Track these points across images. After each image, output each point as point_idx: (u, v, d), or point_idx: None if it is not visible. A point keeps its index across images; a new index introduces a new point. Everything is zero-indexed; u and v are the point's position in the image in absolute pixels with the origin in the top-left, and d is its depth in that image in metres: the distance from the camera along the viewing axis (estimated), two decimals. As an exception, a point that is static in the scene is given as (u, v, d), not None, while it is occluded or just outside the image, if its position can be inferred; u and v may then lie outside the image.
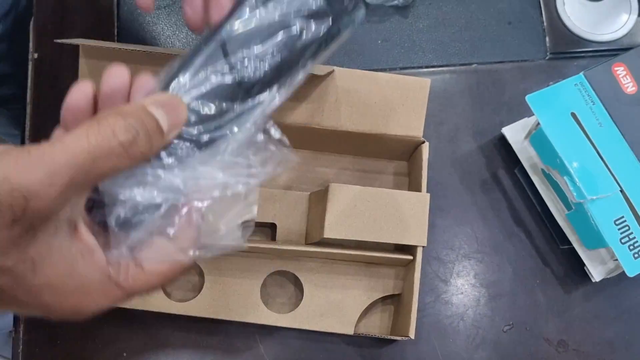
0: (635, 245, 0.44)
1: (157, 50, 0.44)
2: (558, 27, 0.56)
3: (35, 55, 0.54)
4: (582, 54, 0.55)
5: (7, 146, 0.25)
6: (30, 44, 0.54)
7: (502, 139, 0.52)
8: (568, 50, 0.55)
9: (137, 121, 0.26)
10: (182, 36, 0.55)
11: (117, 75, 0.30)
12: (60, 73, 0.53)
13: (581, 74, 0.48)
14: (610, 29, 0.56)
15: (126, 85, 0.30)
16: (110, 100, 0.30)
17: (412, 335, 0.43)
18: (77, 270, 0.27)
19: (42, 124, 0.53)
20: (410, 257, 0.45)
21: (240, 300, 0.46)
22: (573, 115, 0.47)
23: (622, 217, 0.45)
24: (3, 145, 0.26)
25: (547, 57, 0.55)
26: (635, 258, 0.44)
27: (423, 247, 0.44)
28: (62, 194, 0.25)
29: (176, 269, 0.29)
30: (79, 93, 0.29)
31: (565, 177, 0.45)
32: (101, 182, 0.27)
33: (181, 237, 0.29)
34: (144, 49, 0.44)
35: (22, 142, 0.53)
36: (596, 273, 0.49)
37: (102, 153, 0.25)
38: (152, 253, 0.29)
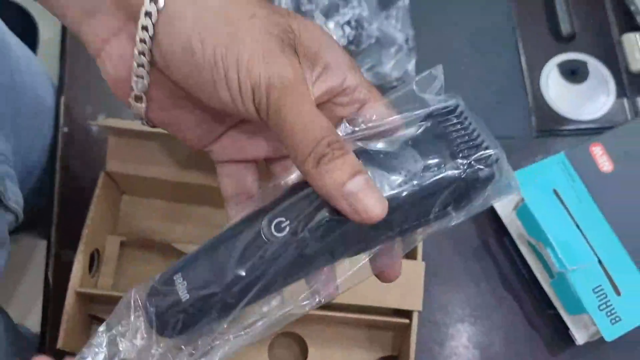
0: (612, 312, 0.48)
1: None
2: (542, 107, 0.61)
3: (65, 130, 0.59)
4: (565, 132, 0.60)
5: None
6: (61, 119, 0.60)
7: (493, 210, 0.57)
8: (552, 129, 0.60)
9: None
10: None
11: None
12: (89, 146, 0.59)
13: (562, 153, 0.53)
14: (591, 109, 0.61)
15: None
16: None
17: (408, 395, 0.46)
18: None
19: (70, 200, 0.57)
20: (407, 321, 0.49)
21: (249, 360, 0.50)
22: (555, 191, 0.52)
23: (600, 285, 0.49)
24: None
25: (532, 135, 0.60)
26: (613, 324, 0.48)
27: (419, 311, 0.48)
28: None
29: None
30: None
31: (547, 249, 0.50)
32: None
33: None
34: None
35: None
36: (579, 337, 0.52)
37: None
38: None
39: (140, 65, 0.30)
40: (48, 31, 0.96)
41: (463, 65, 0.63)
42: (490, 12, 0.65)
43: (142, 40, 0.29)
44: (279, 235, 0.29)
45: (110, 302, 0.50)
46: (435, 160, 0.29)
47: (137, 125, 0.50)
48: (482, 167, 0.29)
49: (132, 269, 0.54)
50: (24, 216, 0.53)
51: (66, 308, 0.47)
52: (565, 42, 0.64)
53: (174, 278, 0.29)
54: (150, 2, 0.28)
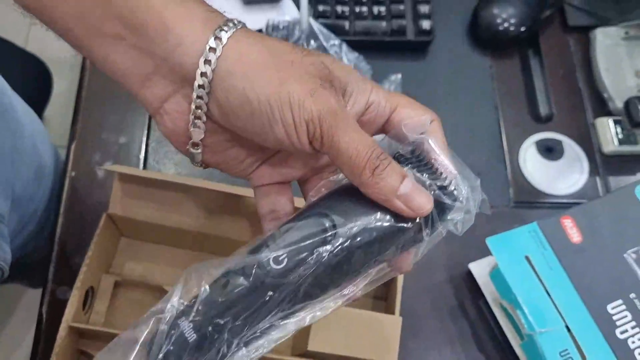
0: (578, 375, 0.51)
1: (190, 182, 0.52)
2: (520, 180, 0.65)
3: (73, 174, 0.63)
4: (541, 205, 0.64)
5: None
6: (70, 164, 0.64)
7: (469, 273, 0.60)
8: (528, 200, 0.65)
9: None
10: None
11: None
12: (94, 190, 0.62)
13: (534, 223, 0.57)
14: (565, 185, 0.65)
15: None
16: None
17: None
18: None
19: (70, 239, 0.61)
20: (383, 371, 0.51)
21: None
22: (527, 258, 0.55)
23: (567, 349, 0.51)
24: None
25: (510, 205, 0.64)
26: (578, 387, 0.50)
27: (394, 364, 0.51)
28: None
29: None
30: None
31: (518, 311, 0.53)
32: None
33: None
34: (177, 180, 0.52)
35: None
36: (548, 400, 0.54)
37: None
38: None
39: (198, 117, 0.34)
40: (62, 82, 1.01)
41: (448, 138, 0.67)
42: (475, 91, 0.70)
43: (199, 97, 0.33)
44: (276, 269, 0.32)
45: (101, 338, 0.53)
46: None
47: (141, 172, 0.54)
48: (443, 192, 0.33)
49: (124, 307, 0.57)
50: (19, 262, 0.56)
51: (58, 341, 0.50)
52: (542, 122, 0.69)
53: (179, 322, 0.31)
54: (204, 63, 0.32)
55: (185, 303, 0.32)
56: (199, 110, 0.34)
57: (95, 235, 0.53)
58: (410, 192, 0.32)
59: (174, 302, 0.32)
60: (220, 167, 0.39)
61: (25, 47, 0.98)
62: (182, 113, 0.35)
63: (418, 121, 0.36)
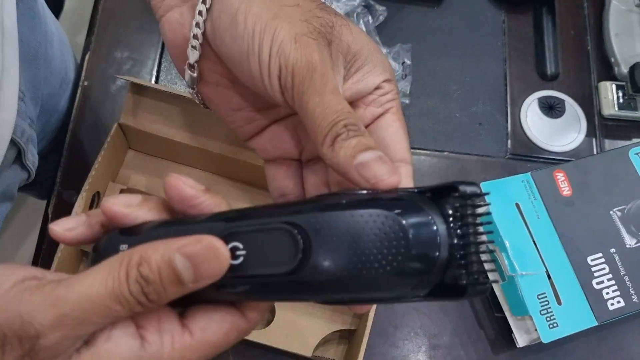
0: (552, 317, 0.54)
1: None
2: (519, 133, 0.67)
3: (86, 84, 0.64)
4: (536, 159, 0.66)
5: (27, 273, 0.27)
6: (83, 74, 0.65)
7: (460, 217, 0.62)
8: (524, 154, 0.67)
9: (153, 273, 0.26)
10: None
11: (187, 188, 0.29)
12: (105, 102, 0.64)
13: (528, 173, 0.59)
14: (561, 142, 0.67)
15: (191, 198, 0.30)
16: (179, 202, 0.30)
17: (359, 363, 0.51)
18: None
19: (79, 147, 0.62)
20: (368, 299, 0.54)
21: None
22: (517, 205, 0.57)
23: (544, 293, 0.54)
24: (24, 272, 0.27)
25: (506, 157, 0.66)
26: (551, 328, 0.53)
27: (380, 291, 0.53)
28: (71, 334, 0.25)
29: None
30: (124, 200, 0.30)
31: (503, 253, 0.55)
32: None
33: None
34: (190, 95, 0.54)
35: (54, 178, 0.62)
36: (521, 340, 0.58)
37: (115, 300, 0.25)
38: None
39: (195, 36, 0.33)
40: (71, 1, 1.01)
41: (454, 85, 0.69)
42: (486, 43, 0.71)
43: (200, 13, 0.33)
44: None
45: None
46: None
47: (154, 85, 0.56)
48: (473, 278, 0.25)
49: (126, 216, 0.59)
50: (36, 172, 0.58)
51: (61, 246, 0.52)
52: (548, 80, 0.70)
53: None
54: None
55: None
56: (197, 29, 0.33)
57: (106, 143, 0.55)
58: (369, 161, 0.27)
59: None
60: (219, 110, 0.38)
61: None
62: (183, 25, 0.34)
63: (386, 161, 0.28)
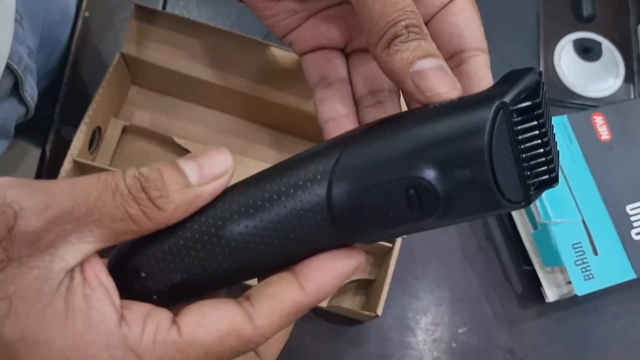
0: (587, 268, 0.50)
1: (210, 25, 0.49)
2: (553, 77, 0.63)
3: (87, 14, 0.60)
4: (570, 105, 0.62)
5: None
6: (84, 4, 0.60)
7: (487, 164, 0.58)
8: (558, 99, 0.62)
9: (153, 171, 0.24)
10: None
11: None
12: (107, 34, 0.59)
13: (564, 116, 0.54)
14: (598, 87, 0.62)
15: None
16: None
17: (379, 312, 0.48)
18: (71, 327, 0.22)
19: (79, 81, 0.58)
20: (390, 245, 0.50)
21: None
22: (552, 149, 0.53)
23: (580, 242, 0.50)
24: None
25: (538, 101, 0.62)
26: (586, 280, 0.50)
27: (403, 237, 0.50)
28: (56, 224, 0.22)
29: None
30: None
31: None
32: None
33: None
34: (201, 21, 0.49)
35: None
36: (551, 294, 0.54)
37: (107, 188, 0.23)
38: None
39: None
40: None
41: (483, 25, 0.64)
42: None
43: None
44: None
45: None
46: None
47: (162, 11, 0.51)
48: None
49: (130, 154, 0.55)
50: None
51: (62, 174, 0.48)
52: (584, 21, 0.65)
53: None
54: None
55: None
56: None
57: (108, 73, 0.51)
58: (428, 71, 0.24)
59: None
60: (255, 3, 0.34)
61: None
62: None
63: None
